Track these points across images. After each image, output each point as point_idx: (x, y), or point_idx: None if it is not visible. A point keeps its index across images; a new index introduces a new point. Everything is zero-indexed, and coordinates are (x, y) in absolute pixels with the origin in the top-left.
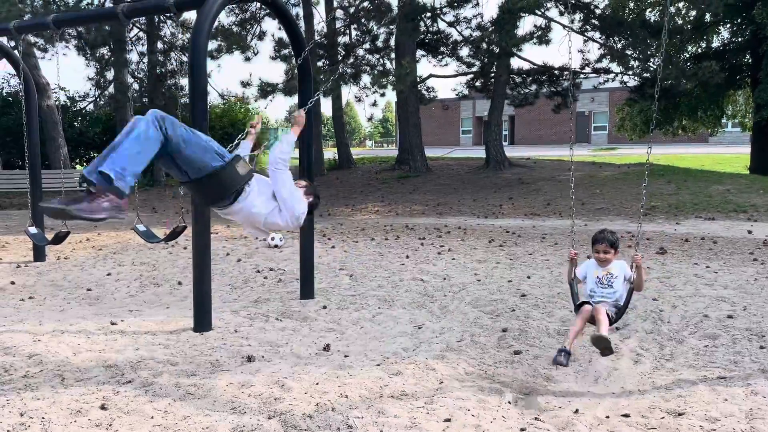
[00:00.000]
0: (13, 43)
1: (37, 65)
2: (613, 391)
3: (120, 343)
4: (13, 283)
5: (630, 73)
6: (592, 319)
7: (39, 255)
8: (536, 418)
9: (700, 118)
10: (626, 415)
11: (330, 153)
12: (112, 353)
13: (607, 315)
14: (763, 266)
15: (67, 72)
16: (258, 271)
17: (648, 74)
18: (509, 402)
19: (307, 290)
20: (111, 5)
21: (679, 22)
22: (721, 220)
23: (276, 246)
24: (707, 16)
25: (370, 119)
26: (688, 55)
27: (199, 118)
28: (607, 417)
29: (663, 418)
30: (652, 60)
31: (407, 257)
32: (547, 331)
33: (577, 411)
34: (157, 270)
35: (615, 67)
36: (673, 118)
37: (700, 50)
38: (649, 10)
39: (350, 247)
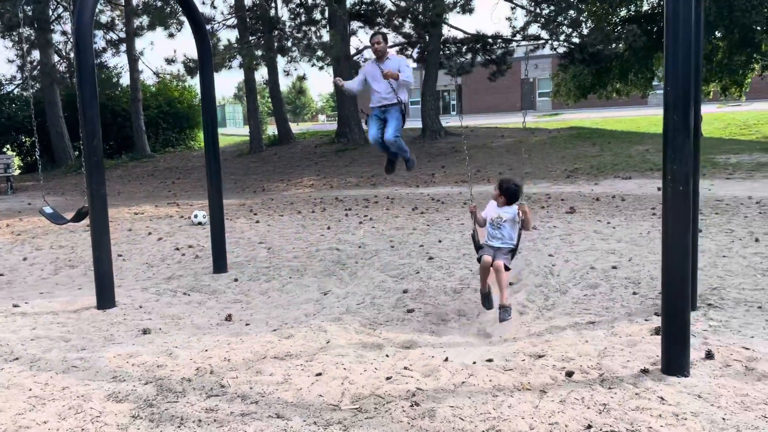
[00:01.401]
0: None
1: None
2: (491, 341)
3: (18, 323)
4: None
5: (559, 39)
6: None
7: None
8: (405, 368)
9: (632, 81)
10: (490, 360)
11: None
12: (6, 333)
13: (504, 266)
14: (660, 220)
15: None
16: (177, 249)
17: (577, 40)
18: (387, 355)
19: (219, 264)
20: None
21: None
22: (637, 178)
23: (200, 223)
24: None
25: (300, 92)
26: (618, 20)
27: (87, 96)
28: (474, 363)
29: (523, 360)
30: (579, 26)
31: (328, 228)
32: (444, 290)
33: (447, 359)
34: (75, 252)
35: (545, 34)
36: (606, 82)
37: (630, 14)
38: None
39: (275, 222)
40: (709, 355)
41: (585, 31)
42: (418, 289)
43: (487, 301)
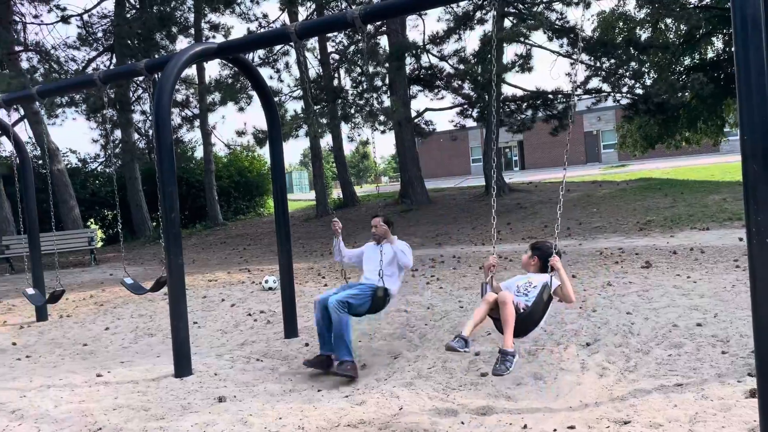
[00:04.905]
0: (18, 115)
1: (46, 131)
2: (571, 405)
3: (101, 393)
4: (14, 344)
5: (621, 91)
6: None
7: (41, 315)
8: None
9: (702, 130)
10: (572, 427)
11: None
12: (91, 403)
13: (516, 308)
14: (744, 272)
15: (78, 135)
16: (249, 315)
17: (640, 91)
18: (462, 422)
19: (290, 329)
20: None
21: (671, 37)
22: (715, 229)
23: (270, 288)
24: (702, 29)
25: (364, 157)
26: (682, 69)
27: (166, 173)
28: (555, 430)
29: (608, 427)
30: (642, 77)
31: None
32: (518, 351)
33: (525, 426)
34: (153, 321)
35: (606, 87)
36: (674, 132)
37: (694, 62)
38: (639, 27)
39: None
40: None
41: (648, 82)
42: (490, 351)
43: (458, 341)
